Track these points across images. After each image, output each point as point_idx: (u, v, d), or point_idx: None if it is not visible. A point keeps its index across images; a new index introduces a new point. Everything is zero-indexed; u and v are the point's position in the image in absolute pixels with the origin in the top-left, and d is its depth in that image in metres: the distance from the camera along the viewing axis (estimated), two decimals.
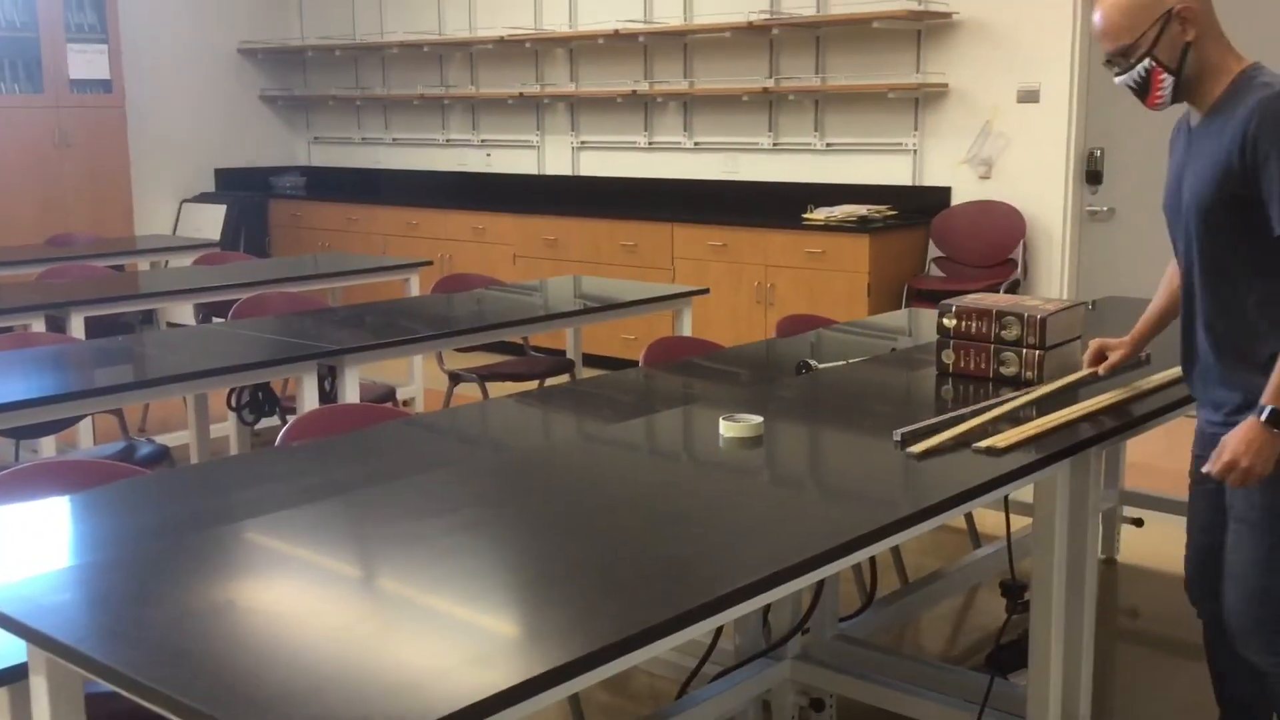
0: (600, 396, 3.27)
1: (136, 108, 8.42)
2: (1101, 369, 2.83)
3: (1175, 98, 2.40)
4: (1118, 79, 2.43)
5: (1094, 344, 2.87)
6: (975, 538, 4.13)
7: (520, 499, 2.20)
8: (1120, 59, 2.39)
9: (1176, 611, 3.85)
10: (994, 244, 6.27)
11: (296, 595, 1.74)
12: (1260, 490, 2.34)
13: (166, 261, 6.75)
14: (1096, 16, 2.41)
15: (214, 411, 4.74)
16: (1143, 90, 2.40)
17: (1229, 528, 2.44)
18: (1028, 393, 2.77)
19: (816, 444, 2.63)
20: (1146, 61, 2.36)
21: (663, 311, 5.04)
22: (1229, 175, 2.30)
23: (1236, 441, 2.29)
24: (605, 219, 7.19)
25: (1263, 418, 2.26)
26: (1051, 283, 6.20)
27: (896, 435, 2.45)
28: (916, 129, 6.52)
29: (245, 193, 9.05)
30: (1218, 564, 2.51)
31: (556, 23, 7.88)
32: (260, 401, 4.35)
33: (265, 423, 4.51)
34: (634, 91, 7.47)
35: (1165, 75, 2.37)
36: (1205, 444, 2.51)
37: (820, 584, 2.88)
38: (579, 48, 7.83)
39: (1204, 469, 2.37)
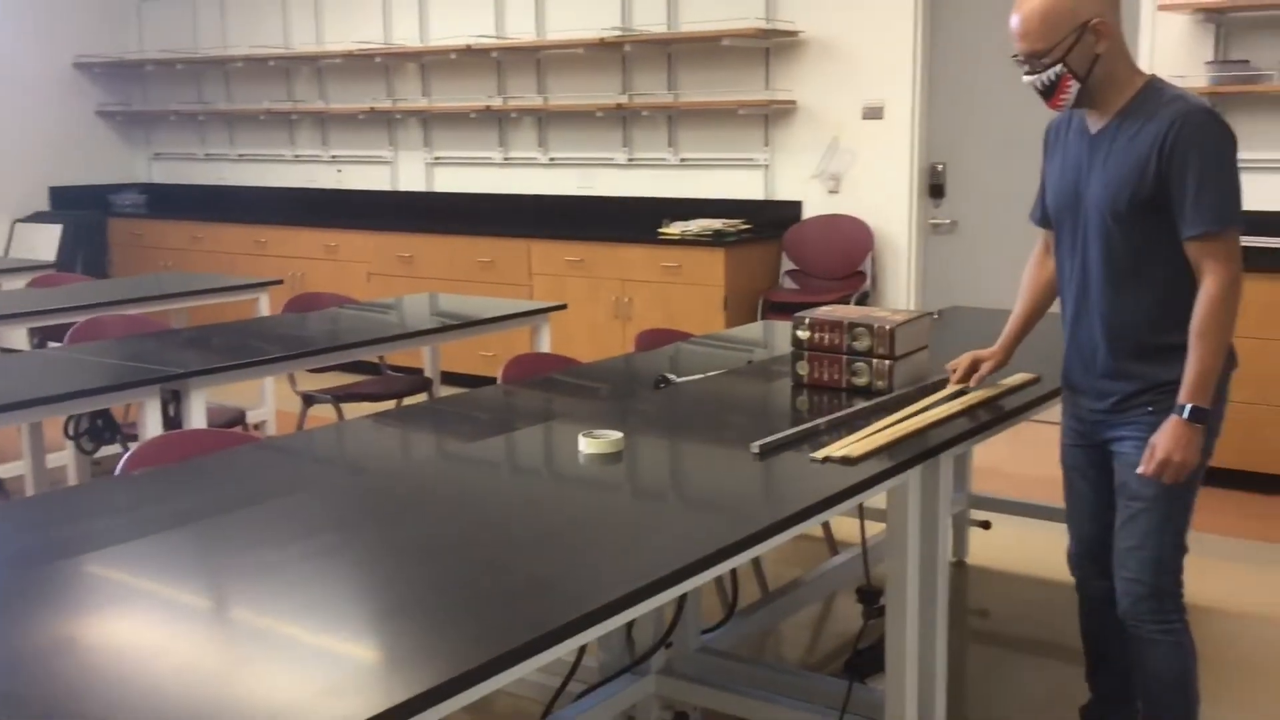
0: (459, 415, 3.23)
1: None
2: (973, 381, 2.90)
3: (1075, 103, 2.52)
4: (1026, 78, 2.52)
5: (967, 357, 2.92)
6: (832, 545, 4.21)
7: (378, 522, 2.15)
8: (1033, 60, 2.49)
9: (1025, 610, 4.00)
10: (844, 256, 6.42)
11: (143, 631, 1.66)
12: None
13: None
14: (1016, 18, 2.49)
15: (50, 440, 4.53)
16: (1048, 93, 2.51)
17: (1122, 506, 2.59)
18: (881, 402, 2.84)
19: (676, 458, 2.64)
20: (1059, 68, 2.47)
21: (521, 328, 5.01)
22: (1145, 177, 2.44)
23: (1166, 440, 2.45)
24: (461, 235, 7.13)
25: (1184, 415, 2.43)
26: (899, 294, 6.38)
27: (754, 448, 2.48)
28: (767, 144, 6.64)
29: (82, 211, 8.70)
30: (1109, 546, 2.66)
31: (407, 37, 7.79)
32: (100, 429, 4.17)
33: (105, 451, 4.33)
34: (488, 107, 7.44)
35: (1073, 82, 2.48)
36: (1085, 433, 2.71)
37: (683, 597, 2.89)
38: (431, 62, 7.76)
39: (1139, 470, 2.49)
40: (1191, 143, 2.40)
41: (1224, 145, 2.44)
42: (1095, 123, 2.56)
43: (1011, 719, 3.26)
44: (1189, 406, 2.44)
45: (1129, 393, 2.57)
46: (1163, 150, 2.41)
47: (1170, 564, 2.58)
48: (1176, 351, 2.49)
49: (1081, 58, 2.46)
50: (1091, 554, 2.78)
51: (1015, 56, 2.53)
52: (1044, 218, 2.78)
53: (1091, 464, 2.72)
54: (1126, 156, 2.48)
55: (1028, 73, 2.51)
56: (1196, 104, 2.46)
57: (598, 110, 7.03)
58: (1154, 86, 2.52)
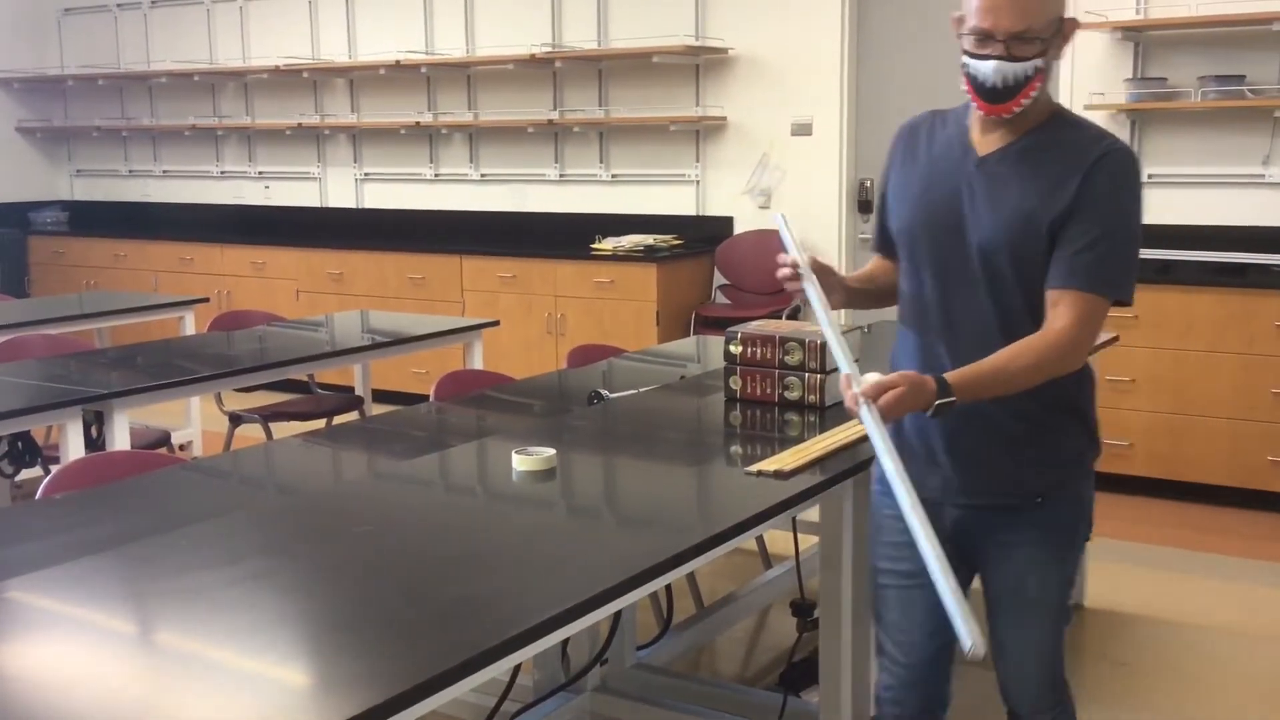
0: (391, 433, 3.20)
1: None
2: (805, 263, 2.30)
3: (1012, 116, 2.07)
4: (993, 66, 2.02)
5: (809, 257, 2.32)
6: (766, 559, 4.22)
7: (308, 544, 2.12)
8: (1014, 43, 2.00)
9: None
10: (775, 271, 6.45)
11: (65, 658, 1.62)
12: (1055, 571, 2.21)
13: None
14: None
15: None
16: (1010, 91, 2.03)
17: (1013, 609, 2.23)
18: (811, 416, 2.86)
19: (610, 474, 2.64)
20: (1039, 61, 2.02)
21: (453, 345, 4.98)
22: (1057, 212, 2.04)
23: (905, 398, 1.97)
24: (392, 252, 7.08)
25: (937, 397, 1.98)
26: None
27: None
28: (698, 161, 6.68)
29: (1, 229, 8.50)
30: (944, 667, 2.33)
31: (335, 52, 7.73)
32: (20, 452, 4.06)
33: (26, 474, 4.22)
34: (418, 123, 7.40)
35: (1040, 85, 2.05)
36: (960, 543, 2.20)
37: (618, 614, 2.89)
38: (359, 78, 7.70)
39: (848, 400, 2.01)
40: (1112, 186, 2.04)
41: (1138, 200, 2.09)
42: (986, 143, 2.13)
43: None
44: (950, 398, 1.98)
45: (1018, 475, 2.15)
46: (1083, 183, 2.03)
47: (1062, 647, 2.30)
48: (1074, 419, 2.18)
49: (1054, 55, 2.06)
50: (920, 682, 2.31)
51: (973, 37, 2.03)
52: (887, 243, 2.33)
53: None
54: (1037, 185, 2.06)
55: (999, 58, 2.01)
56: (1122, 144, 2.09)
57: (529, 126, 7.02)
58: (1064, 115, 2.15)
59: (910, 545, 2.03)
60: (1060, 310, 2.04)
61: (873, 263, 2.43)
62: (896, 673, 2.32)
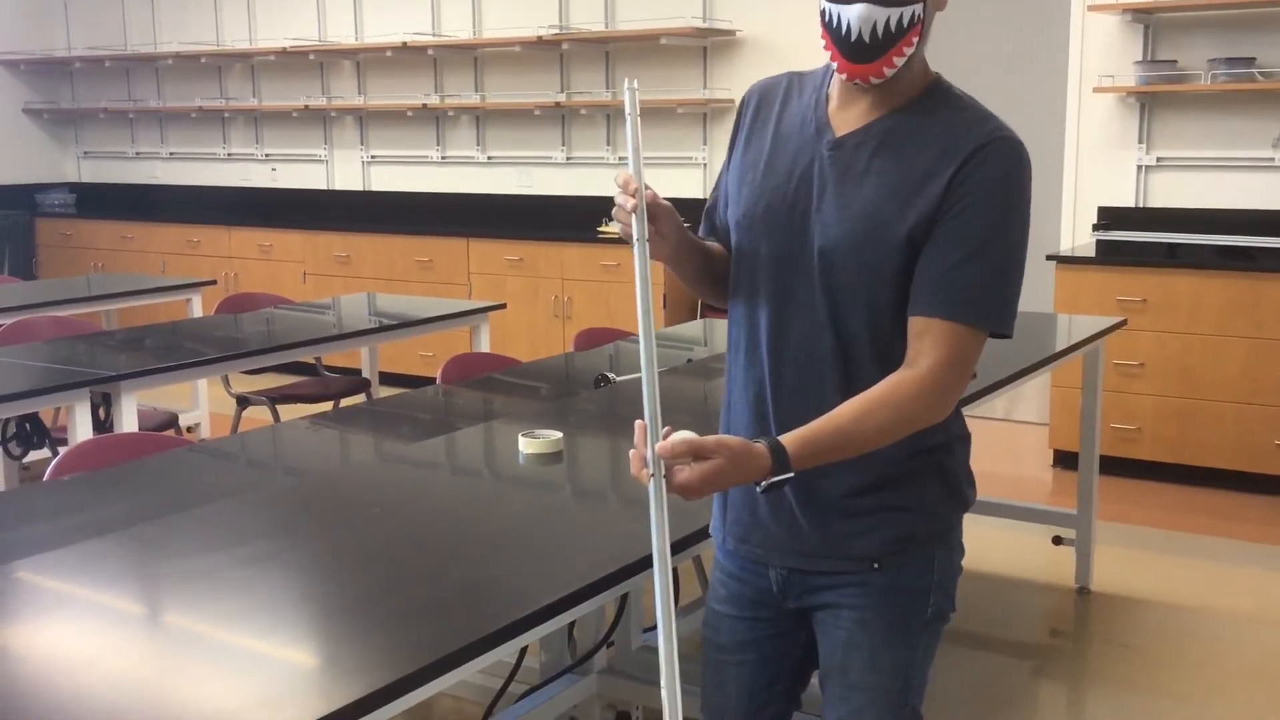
0: (398, 416, 3.20)
1: None
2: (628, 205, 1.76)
3: (881, 79, 1.65)
4: (859, 7, 1.59)
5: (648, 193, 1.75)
6: None
7: (315, 526, 2.13)
8: None
9: (960, 603, 4.04)
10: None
11: (73, 639, 1.63)
12: (889, 650, 1.78)
13: None
14: None
15: None
16: (878, 48, 1.61)
17: (837, 698, 1.80)
18: None
19: (616, 456, 2.64)
20: (918, 8, 1.61)
21: (460, 328, 4.99)
22: (919, 209, 1.63)
23: (727, 473, 1.55)
24: (399, 234, 7.08)
25: (772, 477, 1.57)
26: None
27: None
28: (706, 143, 6.66)
29: (8, 211, 8.51)
30: None
31: (341, 34, 7.71)
32: (28, 433, 4.08)
33: (34, 456, 4.24)
34: (424, 105, 7.38)
35: (917, 41, 1.63)
36: (763, 600, 1.83)
37: (624, 596, 2.89)
38: (366, 60, 7.69)
39: (656, 452, 1.53)
40: (993, 187, 1.62)
41: (1026, 206, 1.66)
42: (845, 119, 1.71)
43: (948, 710, 3.30)
44: (787, 475, 1.58)
45: (853, 535, 1.73)
46: (956, 180, 1.62)
47: None
48: (930, 467, 1.75)
49: (933, 9, 1.65)
50: None
51: None
52: (721, 231, 1.87)
53: (773, 636, 1.86)
54: (899, 178, 1.65)
55: (868, 0, 1.59)
56: (1010, 133, 1.66)
57: (536, 109, 7.01)
58: (943, 88, 1.72)
59: (729, 618, 1.87)
60: (925, 345, 1.63)
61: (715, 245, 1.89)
62: None
